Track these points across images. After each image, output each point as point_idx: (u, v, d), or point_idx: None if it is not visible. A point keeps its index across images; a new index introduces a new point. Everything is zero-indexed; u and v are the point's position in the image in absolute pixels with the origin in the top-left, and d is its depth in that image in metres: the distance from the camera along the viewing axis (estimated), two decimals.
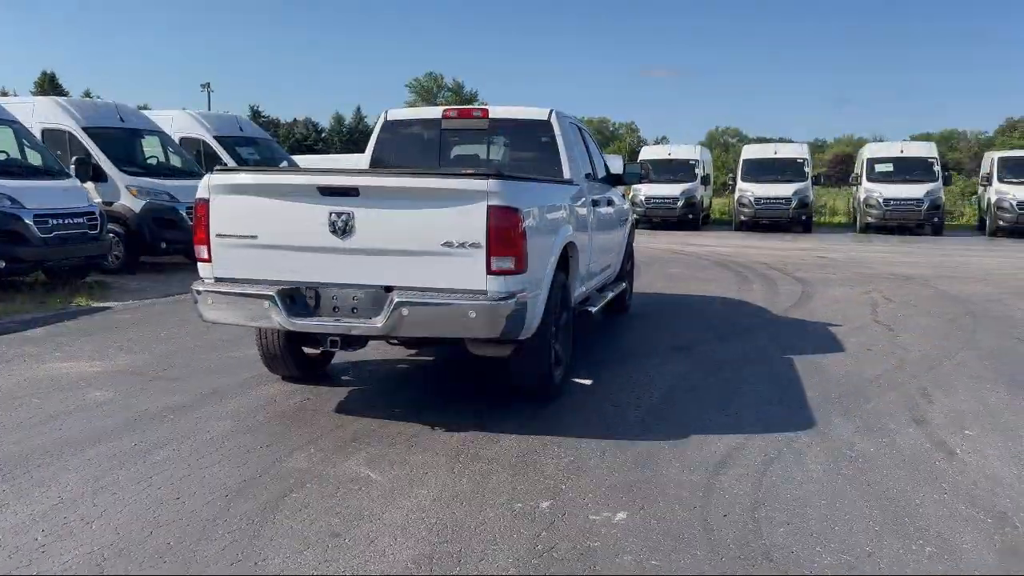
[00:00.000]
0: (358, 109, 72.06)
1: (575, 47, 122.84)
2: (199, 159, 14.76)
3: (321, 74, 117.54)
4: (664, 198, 24.70)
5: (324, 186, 4.92)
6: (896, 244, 20.25)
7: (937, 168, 23.88)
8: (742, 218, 24.54)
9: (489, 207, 4.71)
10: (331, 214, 4.91)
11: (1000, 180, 22.47)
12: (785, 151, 26.08)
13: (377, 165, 7.12)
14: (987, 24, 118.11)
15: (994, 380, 6.50)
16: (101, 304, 9.71)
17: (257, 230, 5.09)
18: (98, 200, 11.80)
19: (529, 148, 7.01)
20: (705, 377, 6.54)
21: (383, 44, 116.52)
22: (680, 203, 24.55)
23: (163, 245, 12.48)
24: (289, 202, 5.01)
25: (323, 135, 70.01)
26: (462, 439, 4.94)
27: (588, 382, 6.25)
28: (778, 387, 6.25)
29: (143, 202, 12.37)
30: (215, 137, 15.25)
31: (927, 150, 25.03)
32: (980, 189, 24.77)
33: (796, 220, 24.22)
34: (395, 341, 5.85)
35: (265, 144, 16.78)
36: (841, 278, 13.13)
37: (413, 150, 7.30)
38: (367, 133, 73.67)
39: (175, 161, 13.99)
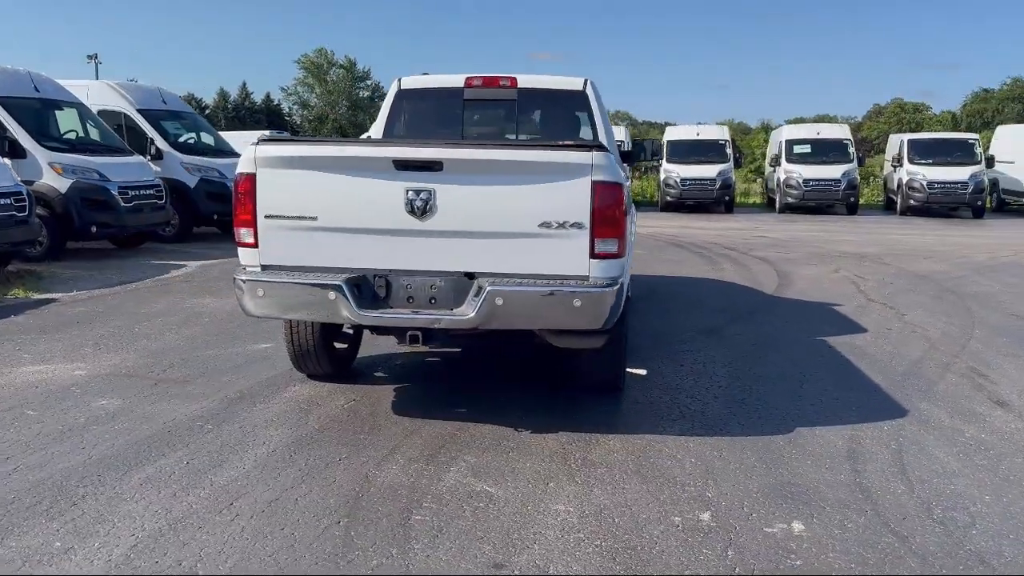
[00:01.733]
0: (244, 85, 68.80)
1: (467, 29, 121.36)
2: (119, 134, 13.44)
3: (205, 49, 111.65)
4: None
5: (402, 159, 4.28)
6: (820, 223, 20.72)
7: (852, 149, 24.63)
8: (668, 199, 24.65)
9: (594, 183, 4.21)
10: (408, 191, 4.29)
11: (911, 161, 23.39)
12: (707, 133, 26.34)
13: (391, 137, 6.45)
14: (848, 15, 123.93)
15: None
16: (44, 296, 8.60)
17: (316, 210, 4.41)
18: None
19: (561, 120, 6.51)
20: (753, 363, 6.25)
21: (270, 19, 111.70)
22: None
23: (94, 229, 11.27)
24: (358, 178, 4.35)
25: (207, 112, 66.57)
26: (557, 441, 4.44)
27: (643, 372, 5.84)
28: (836, 371, 6.02)
29: (69, 181, 11.10)
30: (138, 110, 13.90)
31: (842, 132, 25.81)
32: (889, 169, 25.73)
33: (720, 200, 24.50)
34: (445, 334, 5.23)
35: (191, 119, 15.48)
36: (800, 257, 13.21)
37: (431, 122, 6.68)
38: (254, 110, 70.77)
39: (95, 135, 12.66)
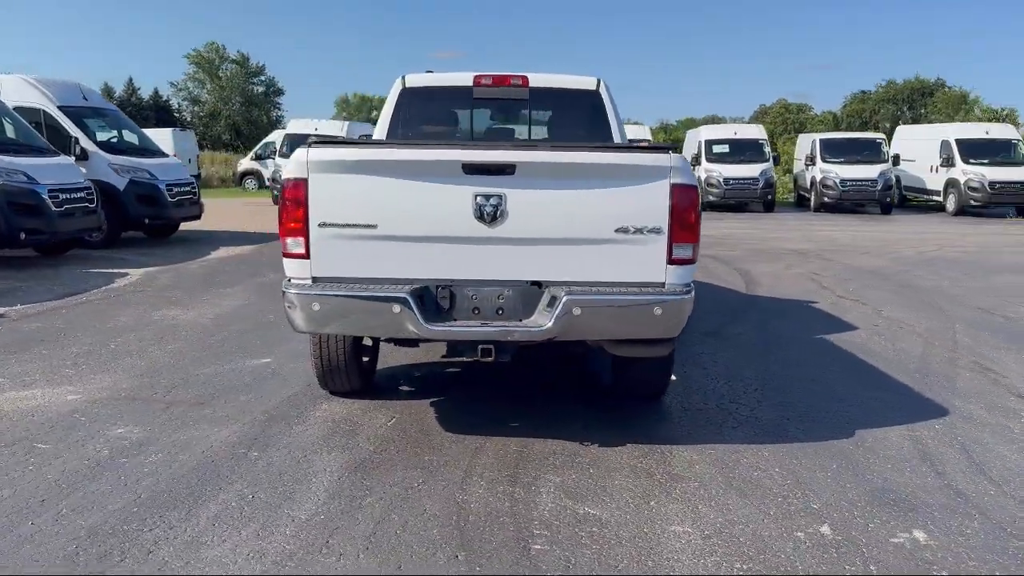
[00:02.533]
0: (130, 80, 65.28)
1: (365, 25, 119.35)
2: (39, 132, 12.43)
3: (81, 40, 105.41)
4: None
5: (472, 163, 4.03)
6: (746, 220, 21.28)
7: (767, 149, 25.40)
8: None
9: (672, 186, 4.07)
10: (477, 196, 4.04)
11: (824, 160, 24.31)
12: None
13: (394, 138, 6.13)
14: (730, 17, 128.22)
15: (1018, 347, 6.73)
16: None
17: (376, 217, 4.10)
18: None
19: (575, 121, 6.32)
20: (770, 364, 6.25)
21: (156, 12, 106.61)
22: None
23: (22, 236, 10.36)
24: (422, 182, 4.06)
25: None
26: (630, 455, 4.29)
27: (673, 377, 5.74)
28: (854, 370, 6.09)
29: None
30: (59, 107, 12.88)
31: (758, 132, 26.60)
32: (802, 168, 26.64)
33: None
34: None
35: (114, 116, 14.45)
36: (747, 255, 13.45)
37: (439, 122, 6.39)
38: (141, 106, 67.21)
39: (17, 134, 11.67)
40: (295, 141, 24.59)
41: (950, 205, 23.60)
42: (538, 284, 4.18)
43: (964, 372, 6.05)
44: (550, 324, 4.04)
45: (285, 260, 4.23)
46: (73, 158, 12.05)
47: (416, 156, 4.09)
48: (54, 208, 10.64)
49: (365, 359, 5.31)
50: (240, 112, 67.03)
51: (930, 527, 3.50)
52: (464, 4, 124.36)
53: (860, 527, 3.50)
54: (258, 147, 33.97)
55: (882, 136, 26.46)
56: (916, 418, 4.93)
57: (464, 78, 6.21)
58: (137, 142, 14.49)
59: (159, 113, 62.75)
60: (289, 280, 4.22)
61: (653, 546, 3.30)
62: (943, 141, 24.22)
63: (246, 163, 33.55)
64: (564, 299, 4.02)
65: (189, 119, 65.12)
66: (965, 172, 23.06)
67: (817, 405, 5.18)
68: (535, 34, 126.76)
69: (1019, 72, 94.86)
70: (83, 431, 4.52)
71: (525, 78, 6.16)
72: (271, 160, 32.05)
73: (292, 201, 4.11)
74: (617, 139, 6.17)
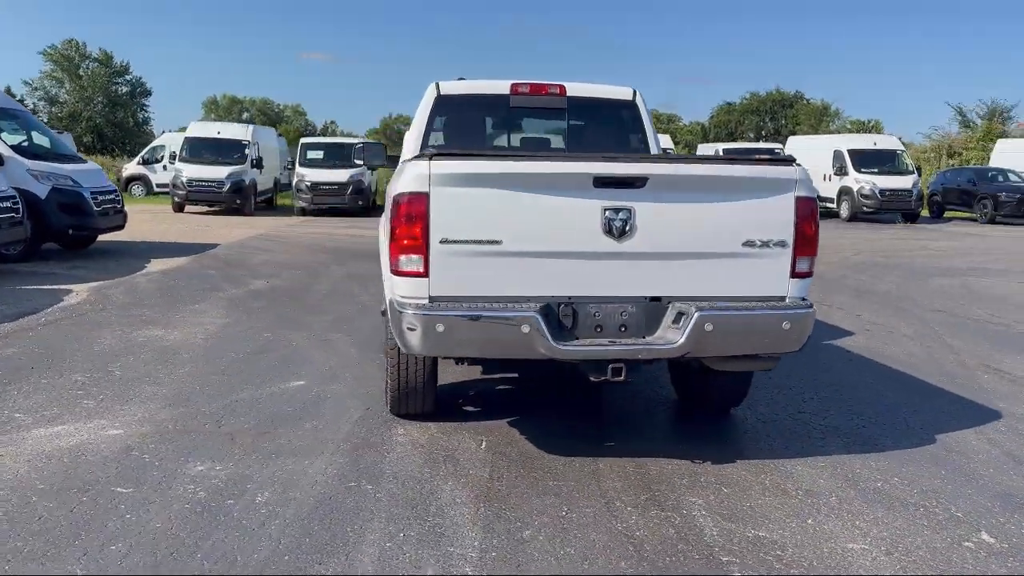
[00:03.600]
0: None
1: (233, 25, 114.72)
2: None
3: None
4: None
5: (604, 175, 3.89)
6: None
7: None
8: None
9: (797, 199, 4.07)
10: (605, 211, 3.90)
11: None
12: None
13: (430, 147, 5.88)
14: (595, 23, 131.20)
15: (1003, 345, 7.16)
16: None
17: (500, 233, 3.89)
18: None
19: (612, 131, 6.25)
20: (803, 371, 6.34)
21: (8, 4, 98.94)
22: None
23: None
24: (550, 196, 3.89)
25: None
26: (748, 471, 4.26)
27: None
28: (882, 375, 6.30)
29: None
30: None
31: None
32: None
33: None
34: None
35: (25, 119, 13.22)
36: None
37: (477, 131, 6.18)
38: None
39: None
40: (196, 145, 24.01)
41: (844, 211, 24.99)
42: (657, 299, 4.08)
43: (983, 375, 6.35)
44: (682, 340, 3.95)
45: (397, 279, 3.96)
46: None
47: (546, 169, 3.91)
48: None
49: None
50: (103, 114, 63.23)
51: None
52: (328, 5, 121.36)
53: (1017, 532, 3.58)
54: (145, 151, 32.17)
55: (779, 146, 27.67)
56: (976, 421, 5.14)
57: (500, 86, 6.05)
58: (50, 145, 13.36)
59: None
60: (404, 300, 3.94)
61: (846, 566, 3.26)
62: (836, 151, 25.67)
63: (132, 168, 31.67)
64: (696, 315, 3.93)
65: (47, 121, 60.97)
66: (858, 180, 24.50)
67: (880, 413, 5.31)
68: (400, 37, 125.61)
69: (879, 85, 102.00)
70: (157, 471, 4.07)
71: (562, 87, 6.06)
72: (158, 164, 30.43)
73: (410, 216, 3.84)
74: (654, 149, 6.16)
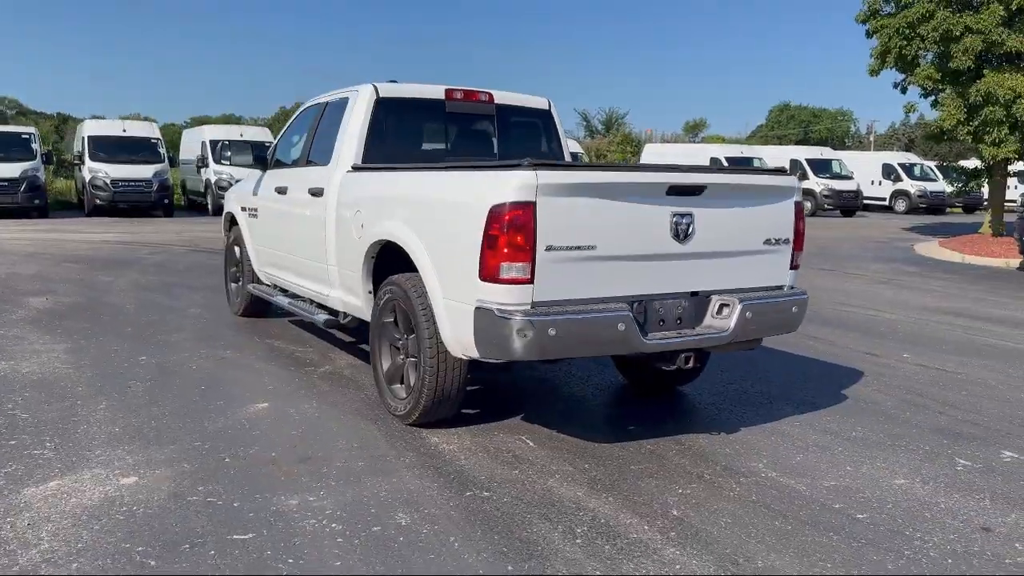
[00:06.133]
0: None
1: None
2: None
3: None
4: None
5: (675, 184, 4.34)
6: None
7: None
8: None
9: (795, 203, 4.88)
10: (673, 215, 4.37)
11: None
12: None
13: (371, 151, 5.78)
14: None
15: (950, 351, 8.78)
16: None
17: (596, 239, 4.16)
18: None
19: (533, 137, 6.62)
20: (790, 372, 6.60)
21: None
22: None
23: None
24: (633, 204, 4.25)
25: None
26: (752, 436, 4.95)
27: None
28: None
29: None
30: None
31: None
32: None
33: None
34: None
35: None
36: None
37: (415, 135, 6.16)
38: None
39: None
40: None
41: (900, 207, 33.87)
42: (695, 293, 4.63)
43: (970, 388, 6.22)
44: (732, 327, 4.55)
45: (495, 286, 4.04)
46: None
47: (634, 179, 4.29)
48: None
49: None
50: None
51: None
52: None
53: (978, 456, 4.67)
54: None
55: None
56: (851, 380, 6.38)
57: (435, 90, 6.14)
58: None
59: None
60: (502, 306, 4.02)
61: (911, 499, 4.06)
62: (885, 164, 35.03)
63: None
64: (739, 305, 4.56)
65: None
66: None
67: (794, 382, 6.34)
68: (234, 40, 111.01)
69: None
70: (249, 511, 3.70)
71: (491, 94, 6.34)
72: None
73: (516, 225, 3.97)
74: (567, 153, 6.67)
